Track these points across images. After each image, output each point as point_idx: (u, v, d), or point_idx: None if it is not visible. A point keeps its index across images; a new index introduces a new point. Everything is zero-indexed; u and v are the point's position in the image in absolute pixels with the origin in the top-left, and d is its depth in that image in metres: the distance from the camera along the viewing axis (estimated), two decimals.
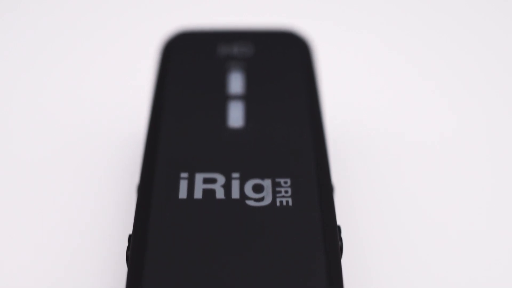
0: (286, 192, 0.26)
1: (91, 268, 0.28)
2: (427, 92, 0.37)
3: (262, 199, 0.26)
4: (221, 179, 0.26)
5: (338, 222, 0.28)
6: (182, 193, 0.26)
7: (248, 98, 0.29)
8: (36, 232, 0.29)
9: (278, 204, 0.25)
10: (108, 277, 0.27)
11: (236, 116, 0.29)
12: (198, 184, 0.26)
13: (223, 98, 0.29)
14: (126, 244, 0.26)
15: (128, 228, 0.28)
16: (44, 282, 0.27)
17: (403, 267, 0.28)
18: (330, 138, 0.30)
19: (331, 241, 0.25)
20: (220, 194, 0.26)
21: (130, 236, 0.25)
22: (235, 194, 0.26)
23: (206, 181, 0.26)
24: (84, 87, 0.36)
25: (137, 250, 0.24)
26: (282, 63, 0.31)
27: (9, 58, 0.38)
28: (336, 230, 0.25)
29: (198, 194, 0.26)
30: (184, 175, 0.26)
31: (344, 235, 0.28)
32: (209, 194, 0.26)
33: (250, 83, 0.30)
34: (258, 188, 0.26)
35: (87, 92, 0.36)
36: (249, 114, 0.29)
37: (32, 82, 0.37)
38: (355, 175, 0.31)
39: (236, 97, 0.29)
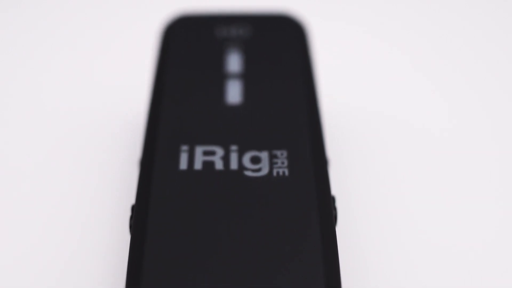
0: (283, 163, 0.27)
1: (97, 236, 0.29)
2: (420, 75, 0.38)
3: (259, 170, 0.27)
4: (220, 151, 0.27)
5: (333, 193, 0.29)
6: (183, 165, 0.27)
7: (245, 77, 0.30)
8: (44, 206, 0.30)
9: (275, 174, 0.26)
10: (113, 244, 0.28)
11: (234, 93, 0.30)
12: (198, 156, 0.27)
13: (221, 77, 0.30)
14: (129, 214, 0.27)
15: (131, 199, 0.29)
16: (53, 250, 0.28)
17: (395, 233, 0.29)
18: (325, 115, 0.31)
19: (325, 209, 0.26)
20: (219, 165, 0.27)
21: (133, 207, 0.26)
22: (234, 165, 0.27)
23: (205, 153, 0.27)
24: (85, 71, 0.37)
25: (140, 219, 0.25)
26: (278, 45, 0.32)
27: (9, 44, 0.39)
28: (330, 200, 0.26)
29: (198, 166, 0.27)
30: (184, 147, 0.27)
31: (338, 205, 0.29)
32: (208, 165, 0.27)
33: (247, 63, 0.31)
34: (255, 160, 0.27)
35: (88, 76, 0.37)
36: (246, 92, 0.30)
37: (33, 67, 0.38)
38: (349, 151, 0.33)
39: (234, 76, 0.30)
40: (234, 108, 0.29)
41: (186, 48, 0.32)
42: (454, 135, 0.34)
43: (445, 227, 0.30)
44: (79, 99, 0.35)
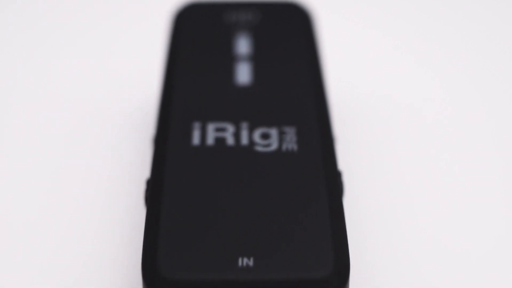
0: (291, 139, 0.28)
1: (114, 210, 0.30)
2: (426, 60, 0.39)
3: (269, 145, 0.28)
4: (231, 128, 0.28)
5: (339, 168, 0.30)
6: (196, 141, 0.28)
7: (254, 59, 0.32)
8: (65, 182, 0.31)
9: (284, 149, 0.28)
10: (129, 217, 0.30)
11: (243, 75, 0.31)
12: (210, 133, 0.28)
13: (230, 60, 0.32)
14: (144, 188, 0.28)
15: (146, 175, 0.30)
16: (73, 221, 0.30)
17: (397, 207, 0.30)
18: (332, 96, 0.33)
19: (333, 183, 0.27)
20: (230, 141, 0.28)
21: (148, 181, 0.27)
22: (244, 141, 0.28)
23: (217, 129, 0.28)
24: (100, 57, 0.39)
25: (155, 192, 0.26)
26: (285, 31, 0.34)
27: (20, 30, 0.41)
28: (337, 173, 0.27)
29: (210, 141, 0.28)
30: (197, 125, 0.28)
31: (344, 179, 0.30)
32: (220, 141, 0.28)
33: (255, 47, 0.32)
34: (265, 136, 0.28)
35: (102, 62, 0.38)
36: (255, 73, 0.31)
37: (45, 53, 0.39)
38: (355, 130, 0.34)
39: (243, 59, 0.32)
40: (243, 88, 0.30)
41: (196, 34, 0.33)
42: (458, 119, 0.35)
43: (445, 202, 0.31)
44: (94, 83, 0.37)
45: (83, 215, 0.30)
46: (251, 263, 0.24)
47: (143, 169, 0.31)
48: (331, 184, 0.27)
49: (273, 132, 0.28)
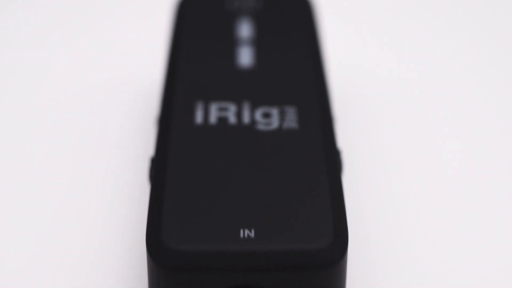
0: (292, 118, 0.29)
1: (118, 187, 0.31)
2: (426, 41, 0.40)
3: (270, 124, 0.28)
4: (233, 107, 0.29)
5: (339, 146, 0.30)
6: (199, 120, 0.29)
7: (255, 43, 0.32)
8: (71, 160, 0.32)
9: (284, 128, 0.28)
10: (134, 193, 0.30)
11: (245, 57, 0.32)
12: (212, 112, 0.29)
13: (233, 44, 0.32)
14: (149, 165, 0.29)
15: (150, 153, 0.31)
16: (77, 197, 0.31)
17: (393, 182, 0.31)
18: (332, 78, 0.33)
19: (332, 160, 0.27)
20: (232, 120, 0.28)
21: (152, 159, 0.28)
22: (246, 119, 0.29)
23: (220, 109, 0.29)
24: (105, 42, 0.40)
25: (159, 169, 0.27)
26: (287, 16, 0.34)
27: (25, 17, 0.42)
28: (336, 151, 0.28)
29: (213, 120, 0.28)
30: (199, 104, 0.29)
31: (344, 157, 0.31)
32: (222, 120, 0.28)
33: (257, 31, 0.33)
34: (266, 115, 0.29)
35: (107, 47, 0.39)
36: (257, 56, 0.32)
37: (47, 39, 0.40)
38: (354, 111, 0.35)
39: (244, 42, 0.32)
40: (245, 70, 0.31)
41: (199, 19, 0.34)
42: (457, 100, 0.36)
43: (441, 180, 0.32)
44: (100, 67, 0.38)
45: (91, 192, 0.31)
46: (252, 234, 0.25)
47: (147, 149, 0.32)
48: (331, 161, 0.27)
49: (274, 111, 0.29)
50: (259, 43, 0.32)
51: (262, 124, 0.28)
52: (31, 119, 0.35)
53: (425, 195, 0.31)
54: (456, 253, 0.28)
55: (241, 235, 0.25)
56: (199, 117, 0.29)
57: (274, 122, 0.28)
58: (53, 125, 0.34)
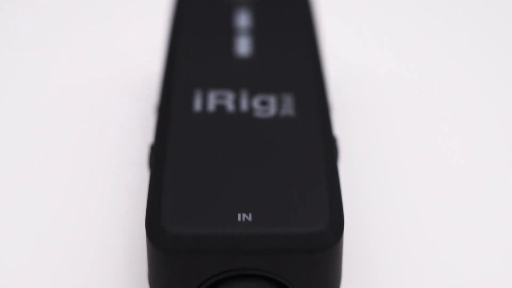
0: (289, 106, 0.29)
1: (120, 175, 0.32)
2: (418, 29, 0.40)
3: (267, 111, 0.29)
4: (231, 95, 0.29)
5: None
6: (197, 107, 0.29)
7: (253, 34, 0.33)
8: (71, 148, 0.33)
9: (281, 115, 0.29)
10: (135, 179, 0.31)
11: (243, 47, 0.32)
12: (211, 100, 0.29)
13: (231, 34, 0.33)
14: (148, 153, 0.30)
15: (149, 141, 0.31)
16: (78, 183, 0.31)
17: (389, 168, 0.32)
18: (330, 71, 0.34)
19: (328, 146, 0.28)
20: (230, 107, 0.29)
21: (152, 146, 0.28)
22: (244, 107, 0.29)
23: (218, 97, 0.29)
24: (103, 36, 0.40)
25: (159, 155, 0.28)
26: (285, 9, 0.35)
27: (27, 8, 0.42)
28: (333, 139, 0.29)
29: (211, 108, 0.29)
30: (198, 92, 0.30)
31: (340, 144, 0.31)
32: (220, 107, 0.29)
33: (255, 23, 0.34)
34: (264, 102, 0.29)
35: (106, 40, 0.40)
36: (255, 45, 0.32)
37: (45, 32, 0.41)
38: (352, 101, 0.35)
39: (242, 33, 0.33)
40: (243, 59, 0.31)
41: (198, 9, 0.34)
42: (453, 88, 0.37)
43: (438, 167, 0.32)
44: (101, 58, 0.38)
45: (91, 179, 0.31)
46: (250, 218, 0.25)
47: (147, 137, 0.32)
48: (327, 148, 0.28)
49: (272, 99, 0.29)
50: (257, 33, 0.33)
51: (259, 111, 0.29)
52: (32, 103, 0.35)
53: (421, 185, 0.31)
54: (452, 244, 0.29)
55: (239, 219, 0.25)
56: (197, 105, 0.29)
57: (272, 110, 0.29)
58: (54, 112, 0.35)
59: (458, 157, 0.33)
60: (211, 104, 0.29)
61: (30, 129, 0.34)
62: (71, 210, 0.30)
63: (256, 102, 0.29)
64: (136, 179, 0.31)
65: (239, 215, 0.25)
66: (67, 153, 0.33)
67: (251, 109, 0.29)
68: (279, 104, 0.29)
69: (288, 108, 0.29)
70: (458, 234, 0.29)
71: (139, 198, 0.30)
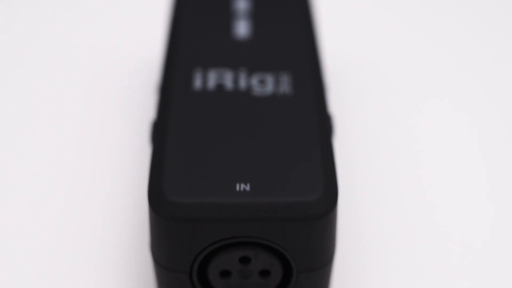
0: (286, 84, 0.30)
1: (123, 151, 0.33)
2: (415, 14, 0.41)
3: (265, 89, 0.30)
4: (230, 74, 0.31)
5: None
6: (197, 85, 0.30)
7: (252, 18, 0.34)
8: (77, 130, 0.34)
9: (279, 93, 0.30)
10: (136, 156, 0.32)
11: (242, 30, 0.33)
12: (210, 78, 0.30)
13: (230, 17, 0.34)
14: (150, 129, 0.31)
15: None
16: (80, 160, 0.32)
17: (384, 147, 0.33)
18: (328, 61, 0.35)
19: (324, 122, 0.29)
20: (229, 85, 0.30)
21: (154, 123, 0.29)
22: (243, 85, 0.30)
23: (217, 75, 0.30)
24: (108, 20, 0.41)
25: (160, 131, 0.29)
26: (283, 2, 0.36)
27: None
28: (328, 115, 0.30)
29: (211, 86, 0.30)
30: (198, 71, 0.31)
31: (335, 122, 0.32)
32: (220, 86, 0.30)
33: (253, 8, 0.35)
34: (262, 81, 0.30)
35: (111, 25, 0.41)
36: (253, 30, 0.33)
37: (46, 15, 0.42)
38: (348, 82, 0.36)
39: (241, 17, 0.34)
40: (242, 41, 0.32)
41: (199, 2, 0.35)
42: (448, 71, 0.37)
43: (432, 148, 0.33)
44: (103, 42, 0.39)
45: (96, 155, 0.33)
46: (248, 188, 0.26)
47: (149, 115, 0.33)
48: (323, 124, 0.29)
49: (269, 77, 0.30)
50: (255, 18, 0.34)
51: (257, 89, 0.30)
52: (38, 83, 0.36)
53: (412, 160, 0.32)
54: (447, 206, 0.30)
55: (237, 188, 0.26)
56: (198, 83, 0.30)
57: (269, 88, 0.30)
58: (58, 92, 0.36)
59: (449, 129, 0.34)
60: (211, 83, 0.30)
61: (35, 111, 0.35)
62: (78, 181, 0.31)
63: (254, 81, 0.30)
64: (139, 154, 0.32)
65: (237, 185, 0.26)
66: (73, 130, 0.34)
67: (249, 87, 0.30)
68: (277, 82, 0.30)
69: (285, 86, 0.30)
70: (452, 197, 0.30)
71: (141, 172, 0.31)
